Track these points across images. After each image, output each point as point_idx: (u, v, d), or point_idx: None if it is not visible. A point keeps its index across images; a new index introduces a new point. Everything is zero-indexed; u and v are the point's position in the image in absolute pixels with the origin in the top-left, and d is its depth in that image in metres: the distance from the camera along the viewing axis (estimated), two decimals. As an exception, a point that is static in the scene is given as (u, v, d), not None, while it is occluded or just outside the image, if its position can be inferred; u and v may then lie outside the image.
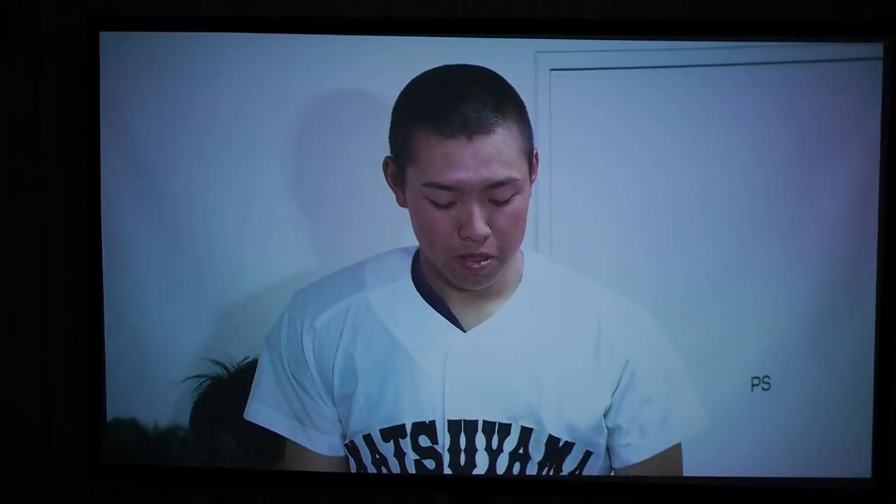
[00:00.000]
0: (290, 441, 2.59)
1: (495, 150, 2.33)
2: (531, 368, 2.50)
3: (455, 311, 2.50)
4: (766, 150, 2.59)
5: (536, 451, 2.51)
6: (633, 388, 2.49)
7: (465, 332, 2.49)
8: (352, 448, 2.56)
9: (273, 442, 2.61)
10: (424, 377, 2.49)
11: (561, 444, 2.50)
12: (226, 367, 2.68)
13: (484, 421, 2.50)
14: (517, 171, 2.35)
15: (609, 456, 2.54)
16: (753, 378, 2.63)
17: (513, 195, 2.36)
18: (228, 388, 2.66)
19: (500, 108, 2.34)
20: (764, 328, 2.63)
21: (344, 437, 2.57)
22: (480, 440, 2.51)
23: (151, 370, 2.71)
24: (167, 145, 2.66)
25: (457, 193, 2.36)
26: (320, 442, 2.57)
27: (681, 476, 2.60)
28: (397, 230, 2.51)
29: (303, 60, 2.61)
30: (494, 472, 2.53)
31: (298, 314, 2.55)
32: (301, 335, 2.53)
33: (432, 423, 2.50)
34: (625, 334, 2.51)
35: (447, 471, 2.54)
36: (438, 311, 2.50)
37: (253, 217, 2.66)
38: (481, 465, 2.53)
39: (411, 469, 2.55)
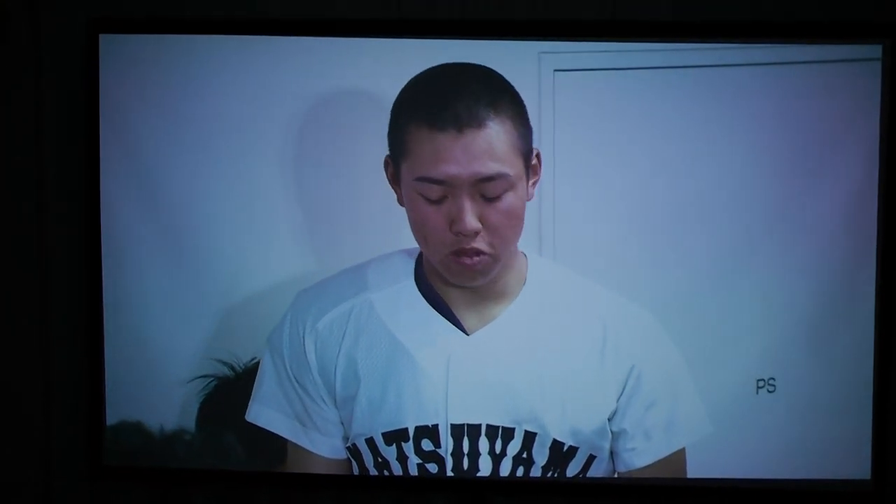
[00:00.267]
0: (292, 443, 2.58)
1: (486, 144, 2.33)
2: (535, 372, 2.49)
3: (458, 313, 2.49)
4: (767, 150, 2.58)
5: (540, 456, 2.50)
6: (639, 393, 2.49)
7: (468, 335, 2.49)
8: (354, 451, 2.55)
9: (276, 444, 2.60)
10: (427, 380, 2.48)
11: (565, 448, 2.49)
12: (233, 368, 2.67)
13: (487, 425, 2.49)
14: (508, 168, 2.34)
15: (613, 460, 2.53)
16: (759, 380, 2.63)
17: (505, 192, 2.36)
18: (234, 388, 2.65)
19: (493, 103, 2.34)
20: (765, 330, 2.62)
21: (346, 439, 2.56)
22: (484, 444, 2.50)
23: (155, 372, 2.70)
24: (167, 146, 2.65)
25: (448, 188, 2.36)
26: (322, 444, 2.57)
27: (680, 478, 2.59)
28: (399, 230, 2.50)
29: (304, 62, 2.60)
30: (497, 476, 2.53)
31: (301, 315, 2.54)
32: (303, 336, 2.52)
33: (435, 426, 2.49)
34: (630, 338, 2.50)
35: (450, 475, 2.54)
36: (441, 314, 2.49)
37: (254, 217, 2.65)
38: (484, 470, 2.52)
39: (414, 473, 2.54)
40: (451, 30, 2.61)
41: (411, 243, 2.49)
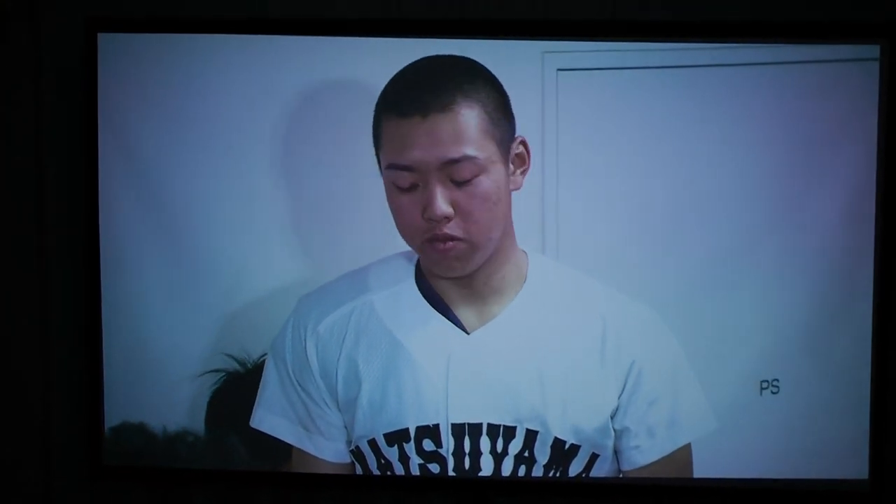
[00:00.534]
0: (296, 447, 2.58)
1: (451, 127, 2.33)
2: (536, 370, 2.48)
3: (458, 313, 2.49)
4: (768, 150, 2.58)
5: (542, 454, 2.50)
6: (640, 390, 2.48)
7: (468, 334, 2.48)
8: (357, 454, 2.55)
9: (281, 447, 2.60)
10: (427, 380, 2.48)
11: (567, 446, 2.49)
12: (243, 363, 2.66)
13: (488, 424, 2.49)
14: (476, 150, 2.34)
15: (617, 458, 2.53)
16: (762, 382, 2.63)
17: (476, 175, 2.35)
18: (243, 384, 2.63)
19: (460, 87, 2.35)
20: (766, 330, 2.62)
21: (349, 443, 2.56)
22: (485, 443, 2.50)
23: (156, 373, 2.69)
24: (167, 145, 2.65)
25: (417, 175, 2.36)
26: (326, 448, 2.57)
27: (678, 477, 2.58)
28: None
29: (305, 62, 2.59)
30: (499, 476, 2.53)
31: (302, 319, 2.54)
32: (305, 340, 2.52)
33: (436, 426, 2.49)
34: (631, 334, 2.49)
35: (452, 475, 2.54)
36: (441, 314, 2.49)
37: (254, 217, 2.64)
38: (486, 469, 2.52)
39: (416, 474, 2.54)
40: (452, 29, 2.60)
41: (411, 246, 2.50)
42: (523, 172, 2.43)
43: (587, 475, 2.53)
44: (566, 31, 2.61)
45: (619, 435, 2.51)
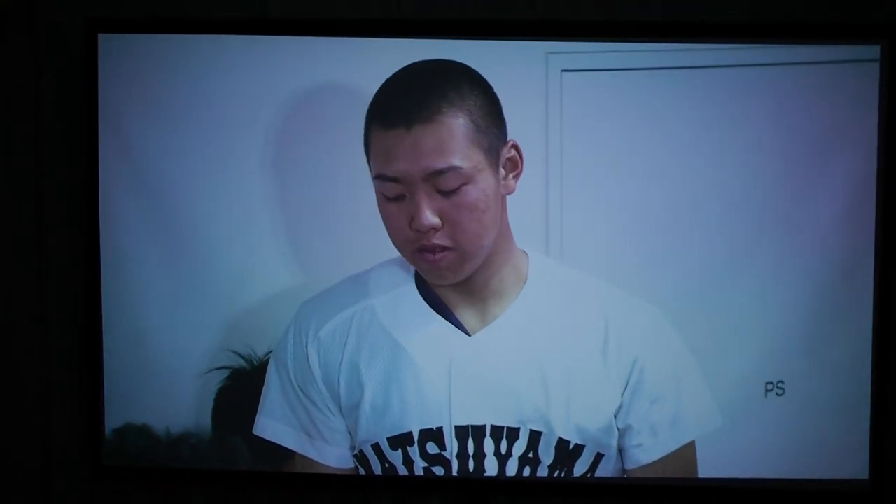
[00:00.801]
0: (299, 454, 2.58)
1: (435, 138, 2.33)
2: (538, 370, 2.48)
3: (459, 315, 2.49)
4: (773, 151, 2.59)
5: (546, 455, 2.49)
6: (643, 387, 2.48)
7: (469, 336, 2.48)
8: (361, 458, 2.54)
9: (285, 450, 2.59)
10: (430, 383, 2.48)
11: (571, 446, 2.49)
12: (250, 361, 2.66)
13: (492, 426, 2.49)
14: (462, 160, 2.34)
15: (621, 457, 2.52)
16: (767, 384, 2.63)
17: (462, 185, 2.35)
18: (249, 384, 2.63)
19: (444, 96, 2.34)
20: (766, 331, 2.62)
21: (353, 448, 2.55)
22: (489, 445, 2.50)
23: (159, 374, 2.70)
24: (167, 146, 2.64)
25: (403, 185, 2.36)
26: (329, 454, 2.56)
27: (676, 477, 2.58)
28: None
29: (307, 63, 2.59)
30: (498, 476, 2.53)
31: (303, 325, 2.53)
32: (306, 346, 2.52)
33: (439, 429, 2.49)
34: (633, 332, 2.49)
35: (455, 475, 2.54)
36: (442, 317, 2.49)
37: (254, 217, 2.64)
38: (490, 471, 2.52)
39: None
40: (452, 30, 2.60)
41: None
42: (516, 176, 2.42)
43: (591, 475, 2.53)
44: (566, 32, 2.61)
45: (622, 433, 2.50)
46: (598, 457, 2.51)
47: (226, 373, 2.67)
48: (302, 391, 2.53)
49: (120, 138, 2.66)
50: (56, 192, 2.77)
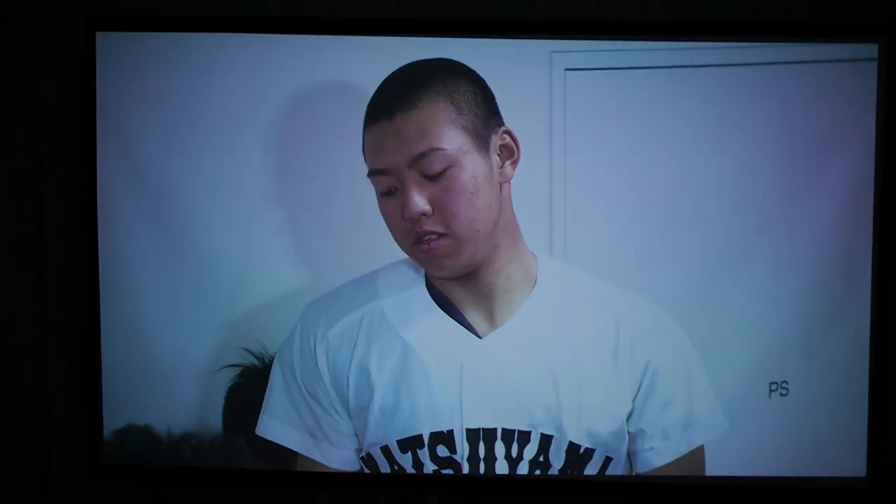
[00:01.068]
0: (303, 455, 2.57)
1: (416, 123, 2.35)
2: (549, 374, 2.48)
3: (469, 317, 2.48)
4: (770, 150, 2.60)
5: (557, 459, 2.49)
6: (655, 391, 2.48)
7: (480, 338, 2.47)
8: (369, 461, 2.53)
9: (287, 452, 2.58)
10: (441, 386, 2.47)
11: (582, 450, 2.48)
12: (261, 359, 2.65)
13: (503, 429, 2.49)
14: (442, 142, 2.35)
15: (631, 460, 2.52)
16: (771, 384, 2.64)
17: (447, 168, 2.35)
18: (261, 381, 2.61)
19: (424, 83, 2.37)
20: (767, 330, 2.63)
21: (359, 450, 2.55)
22: (500, 448, 2.49)
23: (159, 374, 2.70)
24: (166, 145, 2.64)
25: (393, 177, 2.38)
26: (333, 456, 2.55)
27: (675, 476, 2.57)
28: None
29: (307, 62, 2.59)
30: (504, 476, 2.53)
31: (310, 326, 2.52)
32: (314, 347, 2.51)
33: (450, 432, 2.48)
34: (644, 336, 2.48)
35: (447, 472, 2.53)
36: (453, 318, 2.48)
37: (254, 216, 2.64)
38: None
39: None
40: (451, 28, 2.60)
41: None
42: (513, 163, 2.42)
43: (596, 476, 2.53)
44: (565, 30, 2.61)
45: (633, 437, 2.50)
46: (608, 460, 2.51)
47: (237, 370, 2.66)
48: (308, 392, 2.52)
49: (119, 138, 2.65)
50: (56, 192, 2.76)
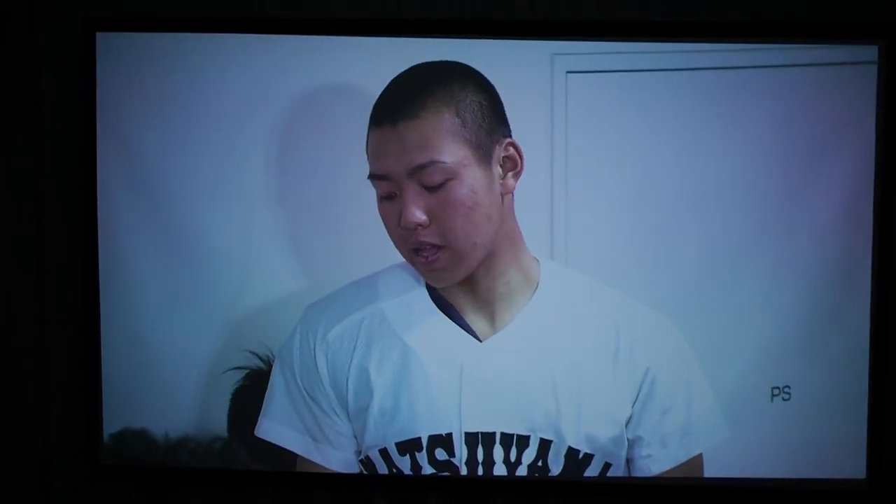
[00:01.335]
0: (302, 457, 2.57)
1: (418, 134, 2.33)
2: (549, 378, 2.47)
3: (470, 320, 2.47)
4: (770, 152, 2.59)
5: (556, 464, 2.48)
6: (654, 398, 2.47)
7: (480, 342, 2.47)
8: (367, 463, 2.53)
9: (287, 455, 2.58)
10: (440, 388, 2.46)
11: (580, 455, 2.48)
12: (268, 362, 2.64)
13: (502, 433, 2.48)
14: (443, 155, 2.33)
15: (629, 467, 2.52)
16: (774, 388, 2.64)
17: (447, 180, 2.34)
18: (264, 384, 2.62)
19: (432, 93, 2.35)
20: (765, 330, 2.63)
21: (359, 452, 2.54)
22: (498, 453, 2.49)
23: (158, 378, 2.69)
24: (166, 145, 2.64)
25: (392, 183, 2.37)
26: (333, 458, 2.55)
27: (674, 477, 2.55)
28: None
29: (307, 62, 2.58)
30: (500, 476, 2.52)
31: (310, 328, 2.52)
32: (314, 349, 2.51)
33: (449, 435, 2.48)
34: (644, 342, 2.47)
35: (446, 474, 2.53)
36: (453, 321, 2.47)
37: (254, 216, 2.63)
38: (499, 478, 2.52)
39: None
40: (451, 29, 2.59)
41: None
42: (516, 175, 2.41)
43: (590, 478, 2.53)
44: (565, 31, 2.60)
45: (631, 444, 2.49)
46: (606, 466, 2.50)
47: (242, 373, 2.66)
48: (308, 394, 2.52)
49: (119, 138, 2.65)
50: (56, 192, 2.76)
